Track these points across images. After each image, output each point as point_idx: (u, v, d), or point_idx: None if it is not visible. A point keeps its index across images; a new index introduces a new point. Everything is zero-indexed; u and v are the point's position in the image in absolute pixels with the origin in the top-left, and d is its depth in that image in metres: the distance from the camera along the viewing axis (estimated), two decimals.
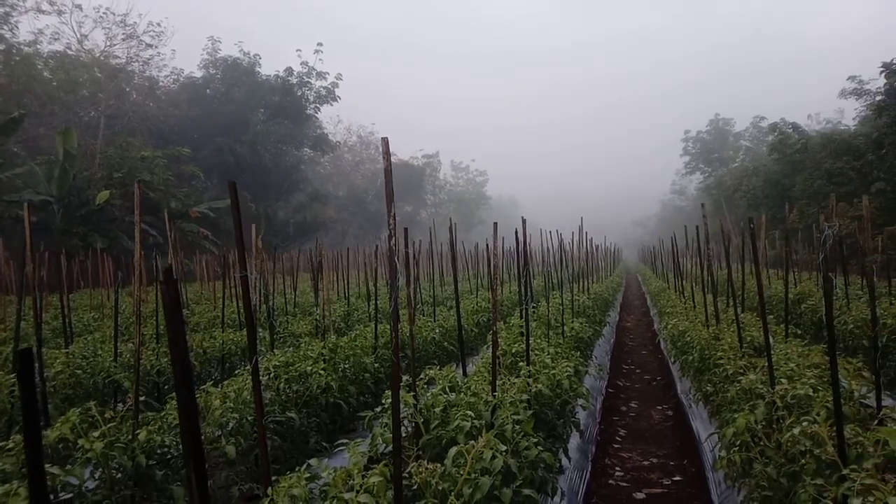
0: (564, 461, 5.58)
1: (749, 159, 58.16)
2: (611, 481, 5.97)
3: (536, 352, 6.43)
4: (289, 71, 47.61)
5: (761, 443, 3.76)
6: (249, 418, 5.08)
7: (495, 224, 4.53)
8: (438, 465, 3.21)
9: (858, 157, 30.76)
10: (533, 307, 10.29)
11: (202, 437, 4.68)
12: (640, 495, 5.60)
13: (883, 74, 31.88)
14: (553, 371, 5.68)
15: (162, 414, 4.62)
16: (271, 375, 5.66)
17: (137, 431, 4.05)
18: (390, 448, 4.04)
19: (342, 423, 6.38)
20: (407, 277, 4.34)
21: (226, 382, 5.38)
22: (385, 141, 2.61)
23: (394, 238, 2.51)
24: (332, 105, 50.75)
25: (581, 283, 14.56)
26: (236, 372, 6.01)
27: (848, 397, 4.23)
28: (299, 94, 48.01)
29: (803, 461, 3.24)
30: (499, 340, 7.26)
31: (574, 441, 6.27)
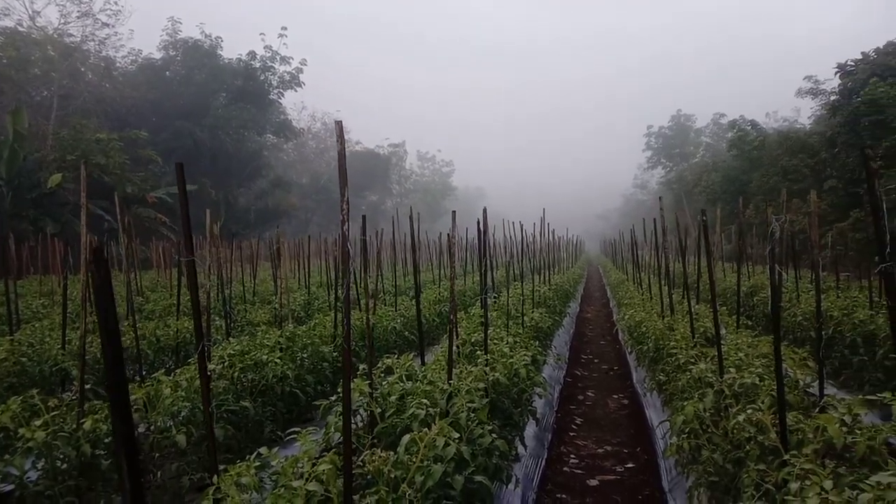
0: (521, 449, 5.64)
1: (709, 155, 59.43)
2: (566, 468, 6.05)
3: (495, 341, 6.47)
4: (252, 55, 46.66)
5: (709, 430, 3.85)
6: (201, 407, 4.99)
7: (453, 213, 4.52)
8: (392, 453, 3.20)
9: (813, 155, 31.69)
10: (494, 297, 10.36)
11: (151, 427, 4.59)
12: (593, 482, 5.69)
13: (837, 75, 32.94)
14: (511, 360, 5.72)
15: (109, 402, 4.49)
16: (226, 364, 5.56)
17: (83, 420, 3.94)
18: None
19: (299, 412, 6.31)
20: (365, 265, 4.30)
21: (178, 371, 5.26)
22: (339, 124, 2.57)
23: (346, 224, 2.48)
24: (296, 91, 49.98)
25: (543, 274, 14.70)
26: (190, 360, 5.89)
27: (793, 386, 4.37)
28: (262, 78, 47.12)
29: (748, 447, 3.33)
30: (459, 330, 7.29)
31: (531, 429, 6.34)
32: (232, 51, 48.77)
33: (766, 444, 3.21)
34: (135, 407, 4.53)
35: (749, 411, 3.30)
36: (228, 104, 44.25)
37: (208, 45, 45.07)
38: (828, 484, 2.39)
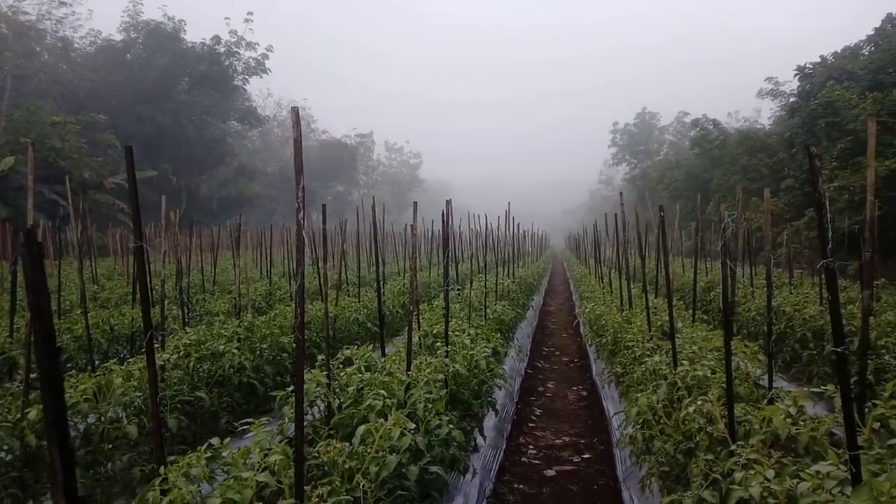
0: (480, 440, 5.68)
1: (672, 153, 60.49)
2: (524, 459, 6.11)
3: (457, 333, 6.48)
4: (216, 39, 45.65)
5: (661, 421, 3.93)
6: (157, 398, 4.89)
7: (415, 204, 4.50)
8: (347, 443, 3.18)
9: (771, 155, 32.56)
10: (458, 290, 10.38)
11: (102, 418, 4.47)
12: (550, 472, 5.77)
13: (796, 77, 33.85)
14: (471, 352, 5.74)
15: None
16: (181, 354, 5.45)
17: (27, 410, 3.81)
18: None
19: (257, 403, 6.23)
20: (325, 255, 4.25)
21: (131, 360, 5.14)
22: (295, 110, 2.52)
23: (301, 212, 2.44)
24: (261, 77, 49.13)
25: (507, 267, 14.78)
26: (144, 350, 5.76)
27: (743, 378, 4.49)
28: (227, 64, 46.18)
29: (698, 438, 3.41)
30: (421, 321, 7.29)
31: (490, 420, 6.38)
32: (196, 35, 47.75)
33: (714, 435, 3.29)
34: (85, 397, 4.41)
35: (699, 403, 3.38)
36: (191, 89, 43.28)
37: (171, 28, 43.93)
38: (770, 473, 2.47)
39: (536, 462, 6.05)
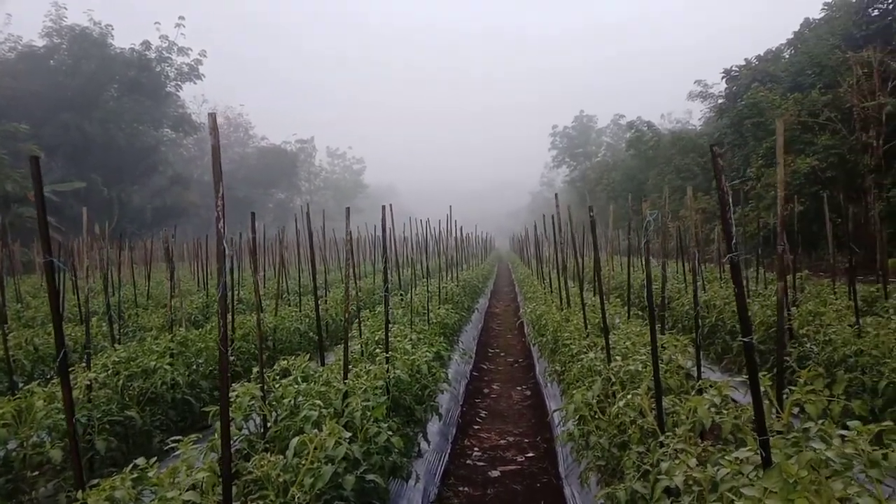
0: (424, 445, 5.67)
1: (610, 154, 62.21)
2: (469, 461, 6.14)
3: (399, 339, 6.46)
4: (146, 45, 44.17)
5: (597, 416, 4.02)
6: (83, 419, 4.68)
7: (347, 209, 4.46)
8: (282, 456, 3.12)
9: (702, 155, 33.85)
10: (401, 295, 10.34)
11: (23, 443, 4.24)
12: (495, 473, 5.81)
13: (723, 79, 35.37)
14: (413, 357, 5.73)
15: None
16: (109, 372, 5.23)
17: None
18: (237, 443, 3.88)
19: (194, 420, 6.04)
20: (255, 264, 4.16)
21: (55, 381, 4.90)
22: (212, 116, 2.46)
23: (221, 221, 2.38)
24: (195, 83, 47.83)
25: (451, 271, 14.84)
26: (71, 370, 5.50)
27: (674, 371, 4.63)
28: (158, 69, 44.73)
29: (630, 431, 3.50)
30: (363, 329, 7.23)
31: (435, 425, 6.38)
32: (125, 40, 46.05)
33: (645, 427, 3.39)
34: (3, 422, 4.17)
35: (629, 397, 3.47)
36: (121, 96, 41.71)
37: (97, 33, 42.25)
38: (693, 462, 2.56)
39: (481, 464, 6.08)
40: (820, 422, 2.54)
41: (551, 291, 11.09)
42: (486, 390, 9.09)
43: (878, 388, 4.94)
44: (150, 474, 2.67)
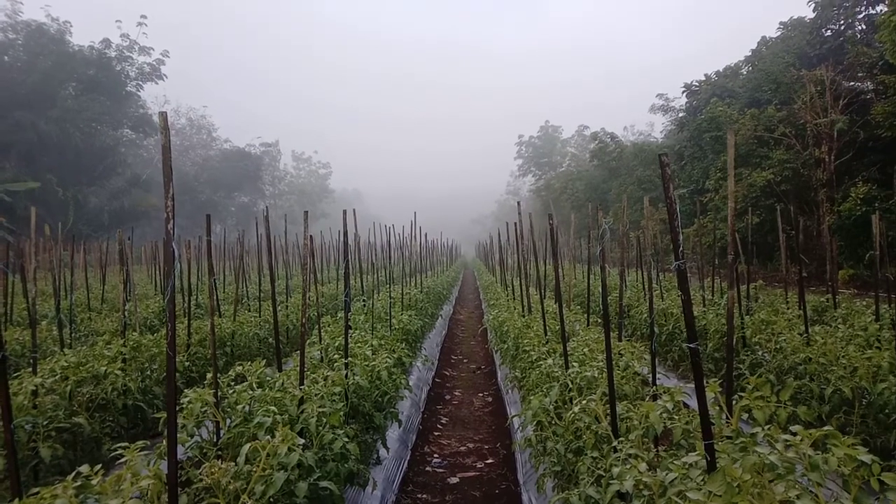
0: (383, 452, 5.63)
1: (574, 165, 63.01)
2: (428, 468, 6.11)
3: (360, 345, 6.41)
4: (106, 43, 43.10)
5: (554, 422, 4.05)
6: (27, 426, 4.51)
7: (305, 213, 4.41)
8: (233, 463, 3.05)
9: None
10: (363, 301, 10.27)
11: None
12: (454, 480, 5.80)
13: (684, 94, 36.23)
14: (373, 363, 5.69)
15: None
16: (57, 377, 5.05)
17: None
18: (189, 450, 3.79)
19: (146, 427, 5.88)
20: (210, 267, 4.08)
21: None
22: (163, 116, 2.41)
23: (171, 222, 2.33)
24: (157, 83, 46.86)
25: (415, 277, 14.81)
26: (16, 374, 5.30)
27: (630, 377, 4.70)
28: (118, 69, 43.67)
29: (585, 436, 3.53)
30: (324, 335, 7.15)
31: (395, 431, 6.34)
32: (85, 38, 44.90)
33: (599, 433, 3.42)
34: None
35: (584, 402, 3.51)
36: (79, 95, 40.58)
37: (55, 29, 41.07)
38: (643, 466, 2.59)
39: (441, 470, 6.07)
40: (767, 427, 2.60)
41: (514, 298, 11.16)
42: (447, 397, 9.08)
43: (825, 395, 5.10)
44: (93, 482, 2.58)
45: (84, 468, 2.76)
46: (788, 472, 2.21)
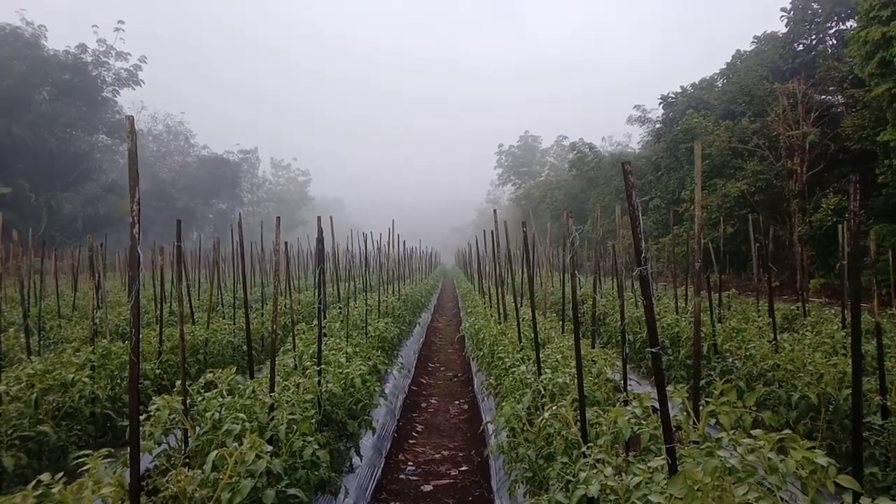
0: (356, 460, 5.59)
1: (553, 174, 63.47)
2: (402, 476, 6.09)
3: (334, 352, 6.38)
4: (82, 47, 42.54)
5: (526, 428, 4.06)
6: None
7: (278, 218, 4.39)
8: (199, 471, 3.02)
9: (640, 177, 34.93)
10: (340, 308, 10.22)
11: None
12: (427, 487, 5.78)
13: (661, 105, 36.78)
14: (347, 370, 5.67)
15: None
16: (23, 384, 4.96)
17: None
18: (155, 459, 3.73)
19: (115, 435, 5.78)
20: (181, 274, 4.04)
21: None
22: (130, 119, 2.39)
23: (137, 226, 2.31)
24: (133, 89, 46.34)
25: (393, 285, 14.78)
26: None
27: (602, 383, 4.74)
28: (94, 74, 43.12)
29: (555, 442, 3.55)
30: (298, 342, 7.10)
31: (369, 439, 6.31)
32: (61, 43, 44.29)
33: (570, 438, 3.44)
34: None
35: (554, 408, 3.53)
36: (54, 100, 39.97)
37: (30, 33, 40.47)
38: (609, 471, 2.62)
39: (415, 478, 6.04)
40: (732, 432, 2.64)
41: (491, 306, 11.20)
42: (423, 404, 9.05)
43: (792, 401, 5.19)
44: (54, 490, 2.53)
45: (45, 476, 2.71)
46: (749, 475, 2.24)
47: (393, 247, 14.42)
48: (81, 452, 2.93)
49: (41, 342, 8.08)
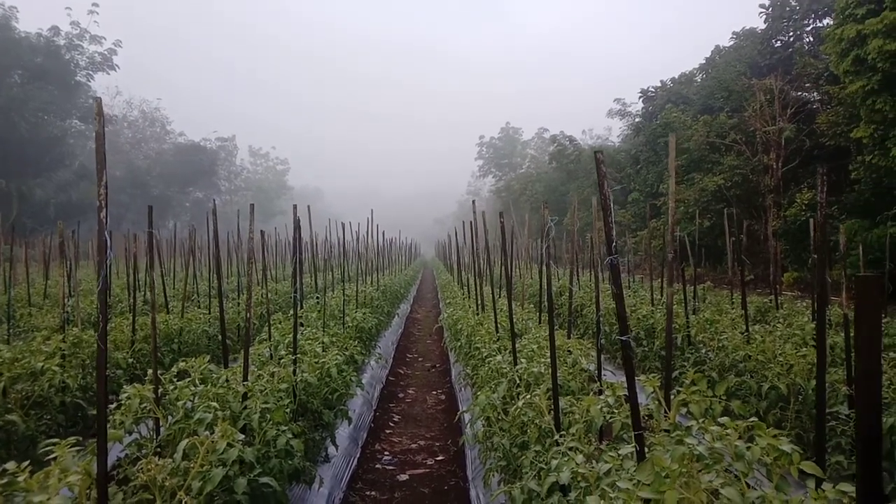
0: (332, 449, 5.58)
1: (534, 166, 63.65)
2: (378, 465, 6.10)
3: (310, 342, 6.34)
4: (54, 30, 41.53)
5: (500, 417, 4.08)
6: None
7: (251, 206, 4.35)
8: (170, 459, 2.99)
9: (620, 170, 35.22)
10: (317, 298, 10.17)
11: None
12: (403, 477, 5.79)
13: (640, 99, 37.01)
14: (322, 360, 5.64)
15: None
16: None
17: None
18: (126, 448, 3.69)
19: (85, 425, 5.70)
20: (152, 262, 3.98)
21: None
22: (98, 101, 2.34)
23: (104, 210, 2.26)
24: (108, 74, 45.46)
25: (373, 276, 14.74)
26: None
27: (577, 373, 4.78)
28: (67, 57, 42.15)
29: (529, 431, 3.57)
30: (273, 332, 7.05)
31: (345, 429, 6.30)
32: (33, 25, 43.21)
33: (543, 427, 3.47)
34: None
35: (528, 397, 3.55)
36: (25, 83, 39.02)
37: (0, 14, 39.42)
38: (580, 459, 2.64)
39: (391, 468, 6.06)
40: (701, 420, 2.68)
41: (469, 297, 11.22)
42: (401, 395, 9.06)
43: (763, 391, 5.28)
44: (20, 479, 2.49)
45: (10, 465, 2.66)
46: (716, 462, 2.28)
47: (372, 237, 14.36)
48: (48, 441, 2.88)
49: (10, 331, 7.93)
